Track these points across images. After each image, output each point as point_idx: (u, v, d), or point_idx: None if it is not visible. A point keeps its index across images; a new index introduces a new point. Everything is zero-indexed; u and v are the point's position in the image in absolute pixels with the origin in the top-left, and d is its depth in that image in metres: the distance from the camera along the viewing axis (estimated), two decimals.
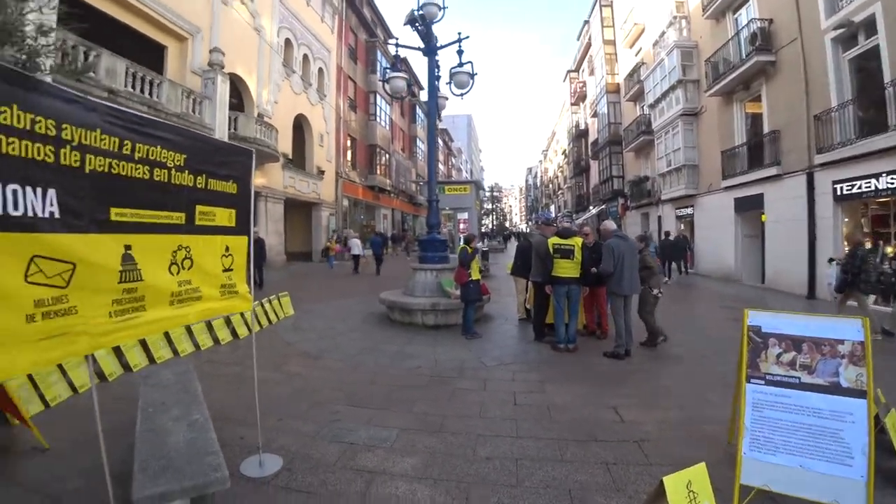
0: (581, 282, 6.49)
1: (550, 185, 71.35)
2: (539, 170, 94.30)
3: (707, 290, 14.34)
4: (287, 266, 20.12)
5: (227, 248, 3.00)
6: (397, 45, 9.82)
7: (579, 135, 42.11)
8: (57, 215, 1.86)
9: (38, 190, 1.79)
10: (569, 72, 45.72)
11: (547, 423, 4.00)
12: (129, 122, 2.22)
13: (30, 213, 1.76)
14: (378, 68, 31.27)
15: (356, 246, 19.28)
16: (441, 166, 53.14)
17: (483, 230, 40.93)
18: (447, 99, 10.58)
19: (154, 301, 2.42)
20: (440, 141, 49.03)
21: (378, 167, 31.96)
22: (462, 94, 9.53)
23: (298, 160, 23.15)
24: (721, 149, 16.54)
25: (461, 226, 17.62)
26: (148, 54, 14.32)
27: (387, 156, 33.63)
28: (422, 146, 44.13)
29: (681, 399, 4.58)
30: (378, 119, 32.00)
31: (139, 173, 2.28)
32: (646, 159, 25.37)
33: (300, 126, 23.79)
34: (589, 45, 36.34)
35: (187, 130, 2.68)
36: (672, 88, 19.68)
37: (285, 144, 21.18)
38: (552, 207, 66.21)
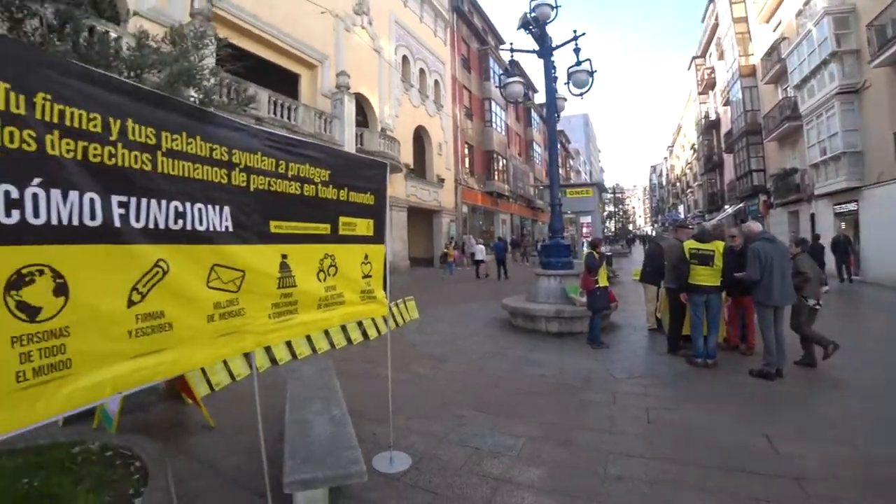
0: (722, 290, 5.78)
1: (678, 184, 65.22)
2: (664, 168, 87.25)
3: (877, 300, 11.85)
4: (410, 271, 21.08)
5: (366, 256, 3.19)
6: (511, 49, 9.76)
7: (709, 126, 37.99)
8: (231, 229, 2.13)
9: (217, 207, 2.06)
10: (693, 59, 41.53)
11: (685, 446, 3.59)
12: (282, 143, 2.48)
13: (211, 228, 2.03)
14: (491, 75, 31.54)
15: (480, 251, 19.57)
16: (559, 169, 51.73)
17: (606, 234, 38.98)
18: (566, 100, 10.24)
19: (305, 305, 2.66)
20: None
21: (495, 173, 32.13)
22: (581, 94, 9.16)
23: (419, 169, 24.25)
24: (894, 129, 13.61)
25: (584, 230, 16.88)
26: (285, 83, 16.16)
27: (504, 161, 33.69)
28: (538, 150, 43.44)
29: (848, 432, 3.79)
30: (494, 125, 32.21)
31: (292, 189, 2.52)
32: (792, 149, 21.72)
33: (420, 137, 24.90)
34: (716, 26, 32.66)
35: (330, 148, 2.91)
36: (824, 63, 16.49)
37: (407, 155, 22.33)
38: (680, 208, 60.61)
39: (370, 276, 3.25)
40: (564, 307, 7.87)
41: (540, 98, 41.48)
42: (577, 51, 9.05)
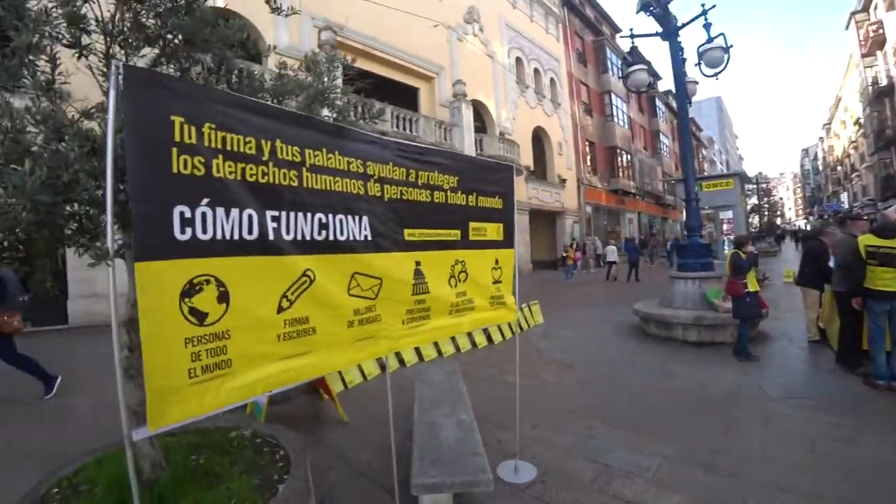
0: None
1: (839, 168, 54.67)
2: (819, 150, 74.27)
3: None
4: (533, 274, 20.70)
5: (496, 261, 3.11)
6: (632, 35, 9.02)
7: (880, 94, 31.35)
8: (369, 238, 2.19)
9: (356, 218, 2.12)
10: (853, 14, 34.61)
11: (866, 488, 2.89)
12: (412, 153, 2.49)
13: (351, 238, 2.10)
14: (609, 67, 29.92)
15: (611, 252, 18.59)
16: (693, 160, 47.12)
17: (751, 230, 34.47)
18: (697, 83, 9.20)
19: (437, 311, 2.66)
20: None
21: (619, 169, 30.36)
22: (716, 74, 8.15)
23: (540, 171, 23.84)
24: None
25: (724, 226, 15.01)
26: (405, 97, 16.96)
27: (628, 156, 31.71)
28: (665, 141, 40.15)
29: None
30: (615, 119, 30.51)
31: (422, 197, 2.52)
32: None
33: (538, 138, 24.49)
34: None
35: (456, 154, 2.89)
36: None
37: (526, 157, 22.08)
38: (843, 196, 50.97)
39: (500, 282, 3.16)
40: (705, 313, 6.99)
41: (665, 85, 38.37)
42: (707, 26, 8.07)
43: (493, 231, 3.05)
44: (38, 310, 8.94)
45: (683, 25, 8.31)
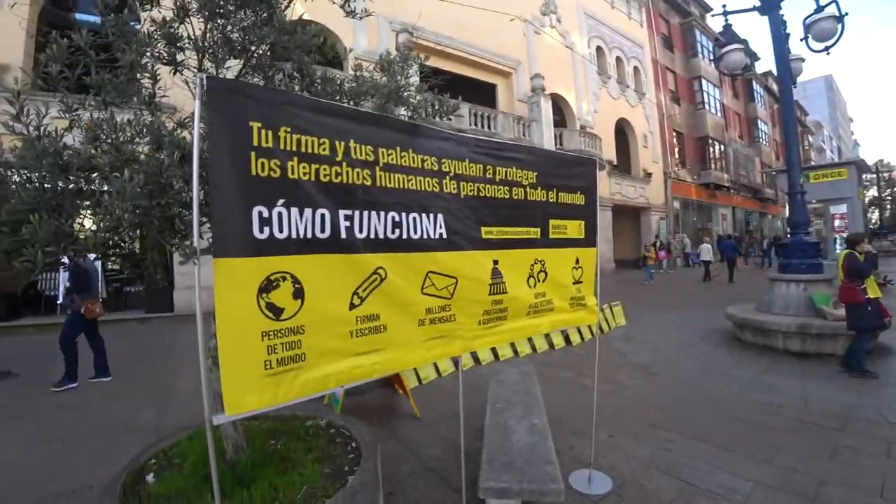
0: None
1: None
2: None
3: None
4: (616, 273, 19.78)
5: (577, 260, 2.95)
6: (725, 12, 8.21)
7: None
8: (444, 236, 2.15)
9: (431, 216, 2.09)
10: None
11: None
12: (489, 148, 2.41)
13: (425, 236, 2.07)
14: (699, 50, 27.74)
15: (706, 251, 17.34)
16: (798, 148, 42.36)
17: (870, 226, 30.36)
18: (803, 60, 8.17)
19: (515, 312, 2.56)
20: None
21: (711, 161, 28.12)
22: (827, 49, 7.19)
23: (623, 165, 22.77)
24: None
25: (836, 222, 13.32)
26: (483, 94, 16.87)
27: (721, 147, 29.28)
28: (764, 128, 36.57)
29: None
30: (707, 106, 28.28)
31: (500, 193, 2.44)
32: None
33: (622, 130, 23.36)
34: None
35: (536, 148, 2.79)
36: None
37: (609, 151, 21.16)
38: None
39: (581, 282, 2.99)
40: (811, 321, 6.18)
41: (763, 66, 34.88)
42: None
43: (574, 228, 2.90)
44: (149, 299, 10.05)
45: None
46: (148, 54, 2.00)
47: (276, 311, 1.61)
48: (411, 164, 2.02)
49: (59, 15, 9.95)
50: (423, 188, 2.05)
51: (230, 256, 1.51)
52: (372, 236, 1.87)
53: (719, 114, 29.87)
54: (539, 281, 2.69)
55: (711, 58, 26.23)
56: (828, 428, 3.89)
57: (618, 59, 23.34)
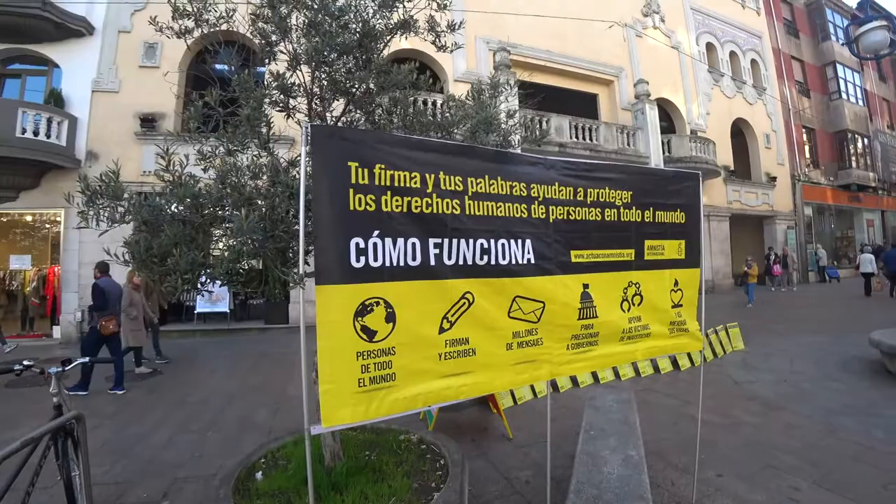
0: None
1: None
2: None
3: None
4: (735, 290, 17.93)
5: (675, 282, 2.80)
6: None
7: None
8: (533, 261, 2.19)
9: (519, 241, 2.14)
10: None
11: None
12: (580, 170, 2.41)
13: (513, 262, 2.12)
14: (832, 31, 24.37)
15: (867, 262, 15.03)
16: None
17: None
18: None
19: (606, 337, 2.50)
20: None
21: (852, 158, 24.48)
22: None
23: (742, 169, 20.75)
24: None
25: None
26: (585, 105, 16.46)
27: (864, 141, 25.42)
28: None
29: None
30: (844, 95, 24.75)
31: (592, 216, 2.42)
32: None
33: (739, 132, 21.33)
34: None
35: (631, 167, 2.71)
36: None
37: (725, 156, 19.42)
38: None
39: (681, 306, 2.82)
40: None
41: None
42: None
43: (673, 249, 2.76)
44: (269, 311, 11.15)
45: None
46: (267, 102, 2.30)
47: (369, 334, 1.75)
48: (500, 192, 2.09)
49: (202, 69, 11.66)
50: (511, 214, 2.11)
51: (330, 283, 1.68)
52: (461, 262, 1.96)
53: (861, 102, 25.96)
54: (634, 305, 2.60)
55: (845, 40, 23.02)
56: None
57: (731, 53, 21.39)
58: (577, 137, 14.00)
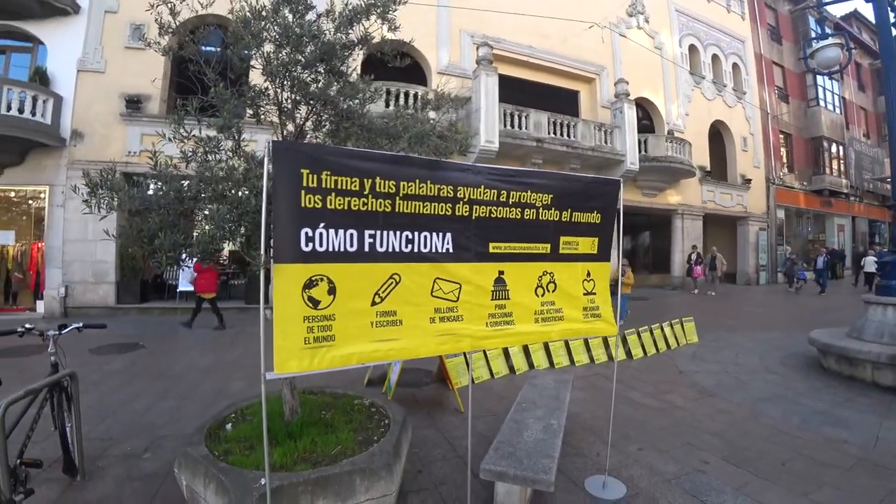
0: None
1: None
2: None
3: None
4: (709, 285, 18.49)
5: (588, 273, 3.26)
6: (820, 3, 7.53)
7: None
8: (451, 250, 2.64)
9: (440, 234, 2.60)
10: None
11: None
12: (505, 175, 2.83)
13: (433, 250, 2.59)
14: (814, 40, 24.93)
15: (869, 263, 16.20)
16: None
17: None
18: None
19: (520, 317, 2.95)
20: None
21: (825, 165, 25.32)
22: None
23: (719, 171, 21.37)
24: None
25: None
26: (567, 102, 16.86)
27: (839, 148, 26.26)
28: None
29: None
30: (822, 103, 25.51)
31: (512, 214, 2.85)
32: None
33: (717, 133, 21.93)
34: None
35: (556, 173, 3.14)
36: None
37: (702, 156, 19.99)
38: None
39: (594, 294, 3.28)
40: None
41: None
42: None
43: (587, 244, 3.21)
44: (248, 292, 11.61)
45: None
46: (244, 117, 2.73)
47: (314, 303, 2.21)
48: (428, 193, 2.51)
49: (188, 51, 11.96)
50: (435, 212, 2.55)
51: (285, 262, 2.15)
52: (390, 250, 2.42)
53: (838, 110, 26.75)
54: (548, 291, 3.05)
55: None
56: (890, 471, 3.57)
57: (714, 56, 21.92)
58: (555, 133, 14.34)
